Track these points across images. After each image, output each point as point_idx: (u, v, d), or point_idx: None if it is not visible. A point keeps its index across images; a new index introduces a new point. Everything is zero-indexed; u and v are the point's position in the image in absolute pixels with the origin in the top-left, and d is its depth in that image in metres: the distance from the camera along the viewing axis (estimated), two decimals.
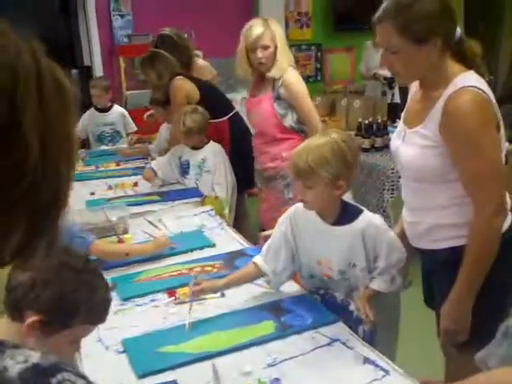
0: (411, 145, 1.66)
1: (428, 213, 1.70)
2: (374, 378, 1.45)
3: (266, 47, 2.66)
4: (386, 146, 3.96)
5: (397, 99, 5.74)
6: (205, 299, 1.89)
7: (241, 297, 1.89)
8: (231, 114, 3.48)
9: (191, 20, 5.53)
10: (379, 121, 4.12)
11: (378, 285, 1.75)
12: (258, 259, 1.88)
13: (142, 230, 2.51)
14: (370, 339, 1.68)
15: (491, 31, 7.09)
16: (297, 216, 1.84)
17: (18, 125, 0.50)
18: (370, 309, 1.68)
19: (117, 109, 4.44)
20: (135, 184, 3.28)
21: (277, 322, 1.71)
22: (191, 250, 2.28)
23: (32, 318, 1.14)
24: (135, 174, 3.50)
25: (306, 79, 6.49)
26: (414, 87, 1.78)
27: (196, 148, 3.20)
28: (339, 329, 1.69)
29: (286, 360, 1.54)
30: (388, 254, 1.73)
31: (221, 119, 3.41)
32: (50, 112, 0.53)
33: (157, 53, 3.37)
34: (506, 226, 1.61)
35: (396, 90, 5.73)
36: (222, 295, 1.91)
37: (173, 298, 1.89)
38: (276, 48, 2.68)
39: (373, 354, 1.55)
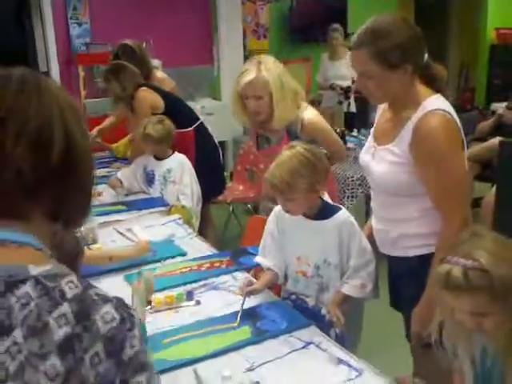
0: (381, 161, 1.77)
1: (397, 223, 1.81)
2: (348, 377, 1.53)
3: (258, 97, 2.32)
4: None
5: (353, 109, 5.93)
6: (180, 307, 1.94)
7: (216, 304, 1.95)
8: (196, 124, 3.52)
9: (149, 29, 5.54)
10: (338, 131, 4.23)
11: (348, 290, 1.85)
12: (259, 259, 2.01)
13: (111, 240, 2.53)
14: (342, 341, 1.77)
15: (439, 41, 7.40)
16: (282, 214, 1.94)
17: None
18: (340, 313, 1.78)
19: None
20: (99, 193, 3.27)
21: (252, 327, 1.77)
22: (164, 259, 2.32)
23: None
24: (99, 183, 3.49)
25: None
26: (382, 106, 1.89)
27: (161, 158, 3.23)
28: (312, 332, 1.76)
29: (263, 364, 1.60)
30: (359, 253, 1.85)
31: (186, 129, 3.46)
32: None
33: (121, 64, 3.38)
34: None
35: (352, 100, 5.91)
36: (198, 303, 1.96)
37: (148, 307, 1.92)
38: (271, 97, 2.32)
39: (346, 356, 1.63)
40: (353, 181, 3.69)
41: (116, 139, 4.20)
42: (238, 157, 4.61)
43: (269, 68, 2.31)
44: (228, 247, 2.78)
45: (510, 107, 4.73)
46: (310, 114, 2.44)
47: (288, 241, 1.96)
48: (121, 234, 2.63)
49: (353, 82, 5.90)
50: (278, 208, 1.98)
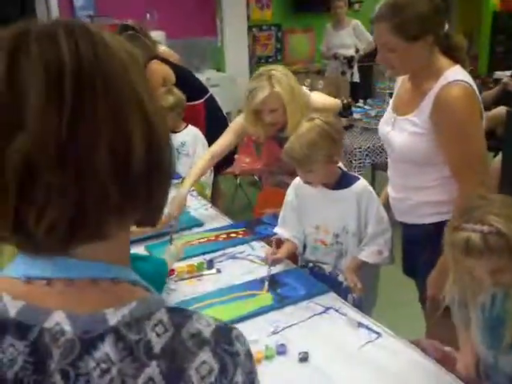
0: (402, 131, 1.82)
1: (415, 191, 1.87)
2: (368, 339, 1.62)
3: (273, 110, 2.35)
4: (350, 126, 4.14)
5: (356, 78, 5.95)
6: (202, 275, 2.02)
7: (235, 272, 2.03)
8: (206, 96, 3.56)
9: (153, 1, 5.52)
10: (344, 102, 4.26)
11: (365, 256, 1.92)
12: (278, 230, 2.10)
13: None
14: (360, 306, 1.85)
15: None
16: (301, 185, 2.02)
17: None
18: (357, 278, 1.86)
19: None
20: None
21: (274, 294, 1.85)
22: (182, 230, 2.39)
23: None
24: None
25: (266, 59, 6.64)
26: (401, 78, 1.94)
27: (174, 131, 3.27)
28: (331, 298, 1.84)
29: (287, 327, 1.69)
30: (377, 221, 1.92)
31: (196, 102, 3.49)
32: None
33: (132, 35, 3.40)
34: None
35: (355, 70, 5.93)
36: (219, 271, 2.04)
37: (173, 275, 2.00)
38: (285, 108, 2.35)
39: (365, 319, 1.71)
40: (360, 151, 3.74)
41: None
42: None
43: (280, 80, 2.33)
44: (237, 218, 2.84)
45: None
46: (314, 98, 2.52)
47: (307, 211, 2.03)
48: None
49: (356, 51, 5.91)
50: (297, 180, 2.04)
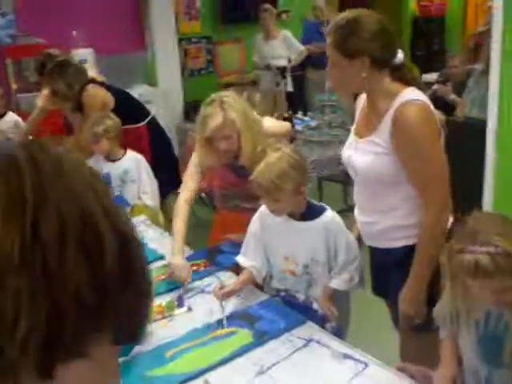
0: (364, 153, 1.83)
1: (383, 214, 1.88)
2: (356, 371, 1.60)
3: (227, 137, 2.27)
4: (293, 139, 4.15)
5: (290, 88, 6.00)
6: (171, 315, 1.93)
7: (207, 308, 1.96)
8: (148, 118, 3.46)
9: (78, 18, 5.33)
10: (285, 115, 4.28)
11: (337, 284, 1.91)
12: (239, 258, 2.04)
13: None
14: (339, 334, 1.84)
15: None
16: (265, 215, 1.97)
17: None
18: (333, 306, 1.85)
19: (11, 116, 4.19)
20: None
21: (252, 330, 1.80)
22: None
23: None
24: None
25: (199, 72, 6.57)
26: (361, 103, 1.95)
27: (114, 160, 3.13)
28: (310, 328, 1.82)
29: (272, 366, 1.64)
30: (347, 249, 1.91)
31: (138, 125, 3.39)
32: None
33: (66, 61, 3.25)
34: (449, 223, 1.83)
35: (289, 80, 5.97)
36: (190, 309, 1.97)
37: None
38: (238, 134, 2.28)
39: (349, 349, 1.70)
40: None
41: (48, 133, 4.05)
42: (187, 145, 4.56)
43: (233, 106, 2.26)
44: (191, 241, 2.74)
45: (441, 81, 4.94)
46: (268, 124, 2.48)
47: (273, 241, 1.99)
48: None
49: (288, 61, 5.96)
50: (262, 209, 2.00)
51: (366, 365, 1.62)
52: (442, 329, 1.62)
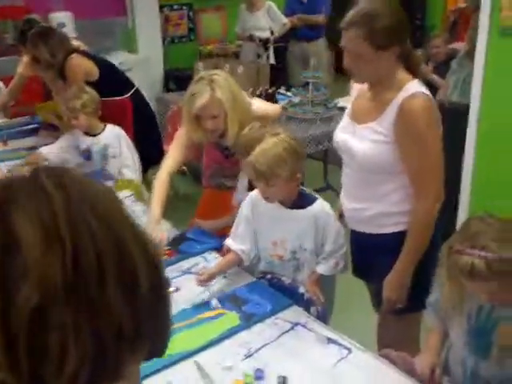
0: (363, 139, 1.85)
1: (375, 201, 1.92)
2: (341, 356, 1.65)
3: (214, 116, 2.27)
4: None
5: (272, 61, 5.94)
6: None
7: (195, 289, 1.98)
8: (132, 90, 3.41)
9: None
10: (269, 91, 4.26)
11: (323, 269, 1.96)
12: (229, 241, 2.05)
13: None
14: (324, 318, 1.89)
15: None
16: (257, 200, 2.00)
17: None
18: (319, 291, 1.89)
19: None
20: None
21: (240, 312, 1.84)
22: None
23: None
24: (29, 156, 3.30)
25: (180, 39, 6.46)
26: (358, 87, 1.97)
27: (93, 134, 3.09)
28: (295, 312, 1.86)
29: (260, 349, 1.69)
30: (335, 239, 1.94)
31: (122, 97, 3.34)
32: None
33: (48, 28, 3.17)
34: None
35: (271, 52, 5.92)
36: (177, 290, 1.99)
37: None
38: (226, 114, 2.27)
39: (333, 334, 1.75)
40: None
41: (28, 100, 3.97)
42: (167, 118, 4.51)
43: (221, 86, 2.25)
44: (173, 216, 2.73)
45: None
46: (256, 105, 2.47)
47: (263, 226, 2.02)
48: None
49: (271, 33, 5.90)
50: (253, 193, 2.02)
51: (350, 350, 1.68)
52: (433, 318, 1.69)
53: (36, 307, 0.48)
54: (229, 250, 2.16)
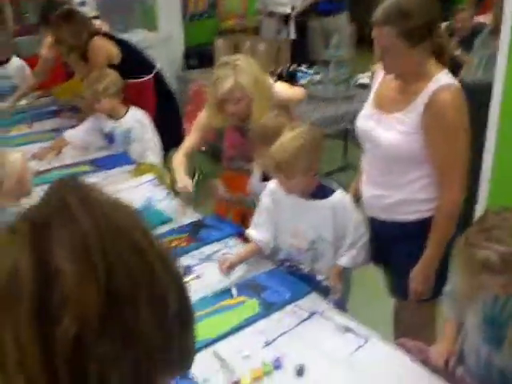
0: (389, 129, 1.86)
1: (398, 189, 1.93)
2: (358, 345, 1.69)
3: (237, 100, 2.32)
4: None
5: (292, 35, 5.87)
6: None
7: (216, 276, 2.02)
8: (154, 71, 3.43)
9: None
10: (291, 69, 4.24)
11: (345, 262, 1.99)
12: (249, 231, 2.09)
13: None
14: (341, 306, 1.92)
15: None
16: (277, 190, 2.02)
17: None
18: (339, 283, 1.93)
19: (16, 61, 4.14)
20: (59, 151, 3.17)
21: (259, 300, 1.88)
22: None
23: None
24: (53, 138, 3.36)
25: (200, 15, 6.41)
26: (382, 74, 1.95)
27: (116, 118, 3.12)
28: (314, 300, 1.90)
29: (278, 337, 1.73)
30: (355, 230, 1.97)
31: (143, 79, 3.36)
32: None
33: (71, 10, 3.18)
34: None
35: (291, 27, 5.85)
36: (198, 277, 2.04)
37: None
38: (250, 98, 2.32)
39: (351, 323, 1.78)
40: (311, 122, 3.75)
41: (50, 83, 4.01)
42: (188, 96, 4.51)
43: (245, 70, 2.30)
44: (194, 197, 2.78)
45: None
46: (279, 90, 2.50)
47: (283, 216, 2.04)
48: None
49: (292, 8, 5.82)
50: (272, 184, 2.04)
51: (367, 339, 1.71)
52: (449, 308, 1.71)
53: (75, 338, 0.51)
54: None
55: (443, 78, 1.77)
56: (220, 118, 2.43)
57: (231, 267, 1.99)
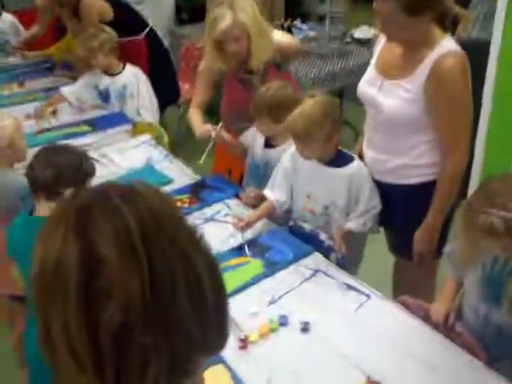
0: (392, 95, 1.86)
1: (400, 154, 1.95)
2: (360, 302, 1.74)
3: (237, 39, 2.26)
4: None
5: None
6: None
7: (220, 236, 2.06)
8: (147, 29, 3.37)
9: None
10: (285, 25, 4.18)
11: (353, 226, 2.03)
12: (266, 191, 2.12)
13: None
14: (343, 265, 1.96)
15: None
16: (297, 154, 2.04)
17: None
18: (343, 244, 1.97)
19: (7, 17, 4.05)
20: (54, 112, 3.14)
21: (263, 260, 1.92)
22: None
23: None
24: (44, 98, 3.30)
25: None
26: (383, 39, 1.94)
27: (112, 74, 3.10)
28: (316, 259, 1.94)
29: (283, 296, 1.78)
30: (368, 200, 2.01)
31: (137, 37, 3.30)
32: None
33: None
34: None
35: None
36: None
37: None
38: (249, 38, 2.27)
39: (352, 281, 1.83)
40: (305, 80, 3.74)
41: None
42: (181, 54, 4.45)
43: (243, 8, 2.23)
44: (189, 159, 2.77)
45: None
46: (278, 37, 2.46)
47: (299, 179, 2.08)
48: (97, 161, 2.60)
49: None
50: (294, 148, 2.06)
51: (369, 297, 1.76)
52: (449, 267, 1.76)
53: (120, 325, 0.53)
54: (247, 197, 2.23)
55: (447, 45, 1.76)
56: (220, 60, 2.36)
57: (248, 225, 2.02)
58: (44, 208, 1.75)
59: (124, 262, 0.54)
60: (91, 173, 1.85)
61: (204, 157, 2.30)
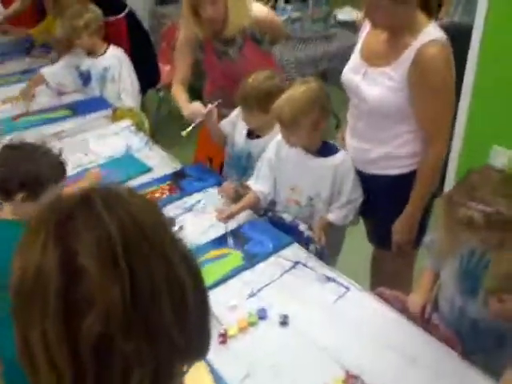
0: (376, 83, 1.85)
1: (382, 144, 1.95)
2: (339, 294, 1.76)
3: (213, 1, 2.24)
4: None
5: None
6: None
7: (200, 227, 2.05)
8: (126, 10, 3.31)
9: None
10: (269, 5, 4.11)
11: (333, 218, 2.03)
12: (251, 182, 2.11)
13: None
14: (322, 256, 1.97)
15: None
16: (281, 144, 2.04)
17: None
18: (323, 236, 1.98)
19: None
20: (32, 94, 3.07)
21: (243, 252, 1.92)
22: (129, 179, 2.29)
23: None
24: (21, 81, 3.23)
25: None
26: (368, 25, 1.92)
27: (95, 55, 3.04)
28: (296, 250, 1.95)
29: (262, 288, 1.78)
30: (351, 192, 2.01)
31: (116, 17, 3.24)
32: None
33: None
34: None
35: None
36: (181, 228, 2.05)
37: None
38: (226, 2, 2.27)
39: (331, 273, 1.84)
40: (288, 64, 3.70)
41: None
42: (161, 34, 4.37)
43: None
44: (169, 145, 2.74)
45: None
46: (258, 9, 2.43)
47: (284, 170, 2.07)
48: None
49: None
50: (279, 137, 2.05)
51: (348, 289, 1.78)
52: (427, 259, 1.78)
53: (100, 334, 0.53)
54: (224, 191, 2.21)
55: (431, 32, 1.75)
56: (196, 26, 2.34)
57: (230, 217, 2.02)
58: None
59: (104, 272, 0.54)
60: (50, 179, 1.66)
61: (189, 130, 2.24)
